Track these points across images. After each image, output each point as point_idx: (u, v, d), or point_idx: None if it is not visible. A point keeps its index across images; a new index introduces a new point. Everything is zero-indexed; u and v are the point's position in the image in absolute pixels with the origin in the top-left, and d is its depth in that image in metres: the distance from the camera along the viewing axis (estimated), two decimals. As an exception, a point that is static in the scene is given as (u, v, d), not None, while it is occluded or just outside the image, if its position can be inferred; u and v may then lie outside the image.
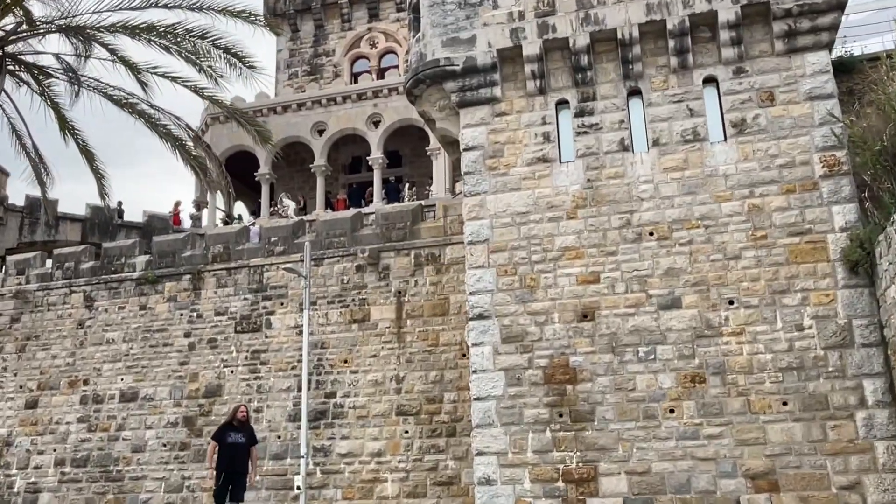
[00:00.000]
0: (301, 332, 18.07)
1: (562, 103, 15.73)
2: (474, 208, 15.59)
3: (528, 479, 13.81)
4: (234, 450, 13.02)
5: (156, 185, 74.55)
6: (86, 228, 25.33)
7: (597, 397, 14.01)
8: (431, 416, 17.55)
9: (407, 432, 17.60)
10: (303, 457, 16.56)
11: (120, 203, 26.98)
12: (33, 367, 21.10)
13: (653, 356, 14.08)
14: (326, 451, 18.01)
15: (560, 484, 13.67)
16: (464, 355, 17.38)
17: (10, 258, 22.47)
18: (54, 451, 20.14)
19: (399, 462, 17.45)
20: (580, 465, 13.70)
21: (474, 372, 14.78)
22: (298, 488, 16.63)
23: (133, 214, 28.28)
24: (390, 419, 17.77)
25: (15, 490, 20.11)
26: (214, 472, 12.92)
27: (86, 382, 20.48)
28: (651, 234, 14.64)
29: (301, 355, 17.85)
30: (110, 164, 71.05)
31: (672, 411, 13.78)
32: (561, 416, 14.06)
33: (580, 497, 13.63)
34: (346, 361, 18.48)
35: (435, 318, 18.13)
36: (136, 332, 20.44)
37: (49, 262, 22.15)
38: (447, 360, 17.79)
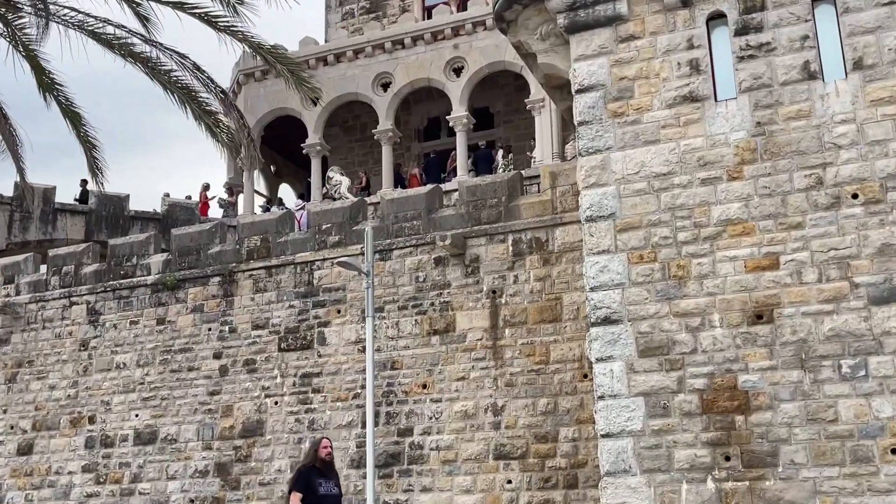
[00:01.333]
0: (364, 349, 17.14)
1: (715, 18, 14.25)
2: (594, 171, 14.39)
3: (684, 549, 12.72)
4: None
5: (190, 176, 75.86)
6: (90, 223, 25.35)
7: (780, 432, 12.67)
8: (543, 460, 16.52)
9: (510, 482, 16.59)
10: (370, 517, 15.54)
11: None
12: (27, 401, 21.05)
13: (863, 372, 12.54)
14: (402, 509, 17.09)
15: (730, 556, 12.52)
16: (585, 376, 16.28)
17: (-5, 263, 22.36)
18: (55, 509, 19.88)
19: (500, 523, 16.36)
20: (759, 529, 12.47)
21: (601, 398, 13.68)
22: (365, 559, 15.63)
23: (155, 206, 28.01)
24: (487, 465, 16.80)
25: (7, 561, 19.97)
26: None
27: (91, 420, 20.30)
28: (854, 196, 13.01)
29: (365, 379, 16.90)
30: (137, 153, 72.72)
31: (895, 452, 12.19)
32: (728, 459, 12.84)
33: (760, 575, 12.45)
34: (424, 387, 17.67)
35: (543, 326, 17.08)
36: (153, 354, 20.14)
37: (43, 267, 22.04)
38: (562, 382, 16.70)
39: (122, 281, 20.92)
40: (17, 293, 21.95)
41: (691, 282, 13.53)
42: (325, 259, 19.05)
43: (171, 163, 77.23)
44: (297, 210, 22.41)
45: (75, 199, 26.58)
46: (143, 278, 20.75)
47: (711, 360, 13.22)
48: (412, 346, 18.03)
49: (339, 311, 18.82)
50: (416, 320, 18.04)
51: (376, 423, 17.23)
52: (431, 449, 17.34)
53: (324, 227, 19.46)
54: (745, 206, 13.47)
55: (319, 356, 18.77)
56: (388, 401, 17.94)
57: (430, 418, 17.53)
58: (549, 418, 16.63)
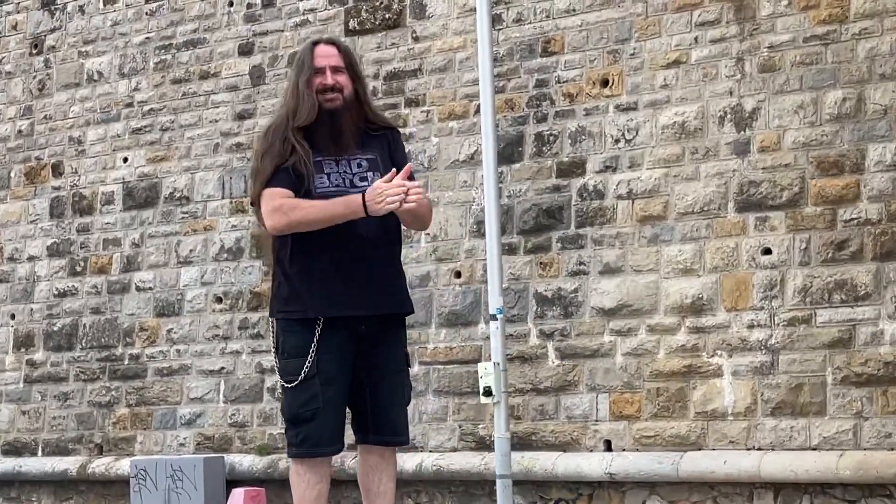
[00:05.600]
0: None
1: None
2: None
3: None
4: (352, 230, 5.35)
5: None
6: None
7: None
8: (833, 208, 10.46)
9: (769, 253, 10.80)
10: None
11: None
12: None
13: None
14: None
15: None
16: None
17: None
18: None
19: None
20: None
21: None
22: (488, 392, 10.55)
23: None
24: (723, 220, 10.92)
25: None
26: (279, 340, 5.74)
27: (57, 170, 15.51)
28: None
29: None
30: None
31: None
32: None
33: None
34: (606, 83, 12.26)
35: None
36: (144, 54, 15.17)
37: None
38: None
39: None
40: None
41: None
42: None
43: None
44: None
45: None
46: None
47: None
48: (580, 10, 11.79)
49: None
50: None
51: (518, 159, 11.36)
52: (618, 198, 11.17)
53: None
54: None
55: (416, 40, 12.70)
56: (540, 113, 11.75)
57: (617, 141, 11.30)
58: (838, 128, 10.23)
